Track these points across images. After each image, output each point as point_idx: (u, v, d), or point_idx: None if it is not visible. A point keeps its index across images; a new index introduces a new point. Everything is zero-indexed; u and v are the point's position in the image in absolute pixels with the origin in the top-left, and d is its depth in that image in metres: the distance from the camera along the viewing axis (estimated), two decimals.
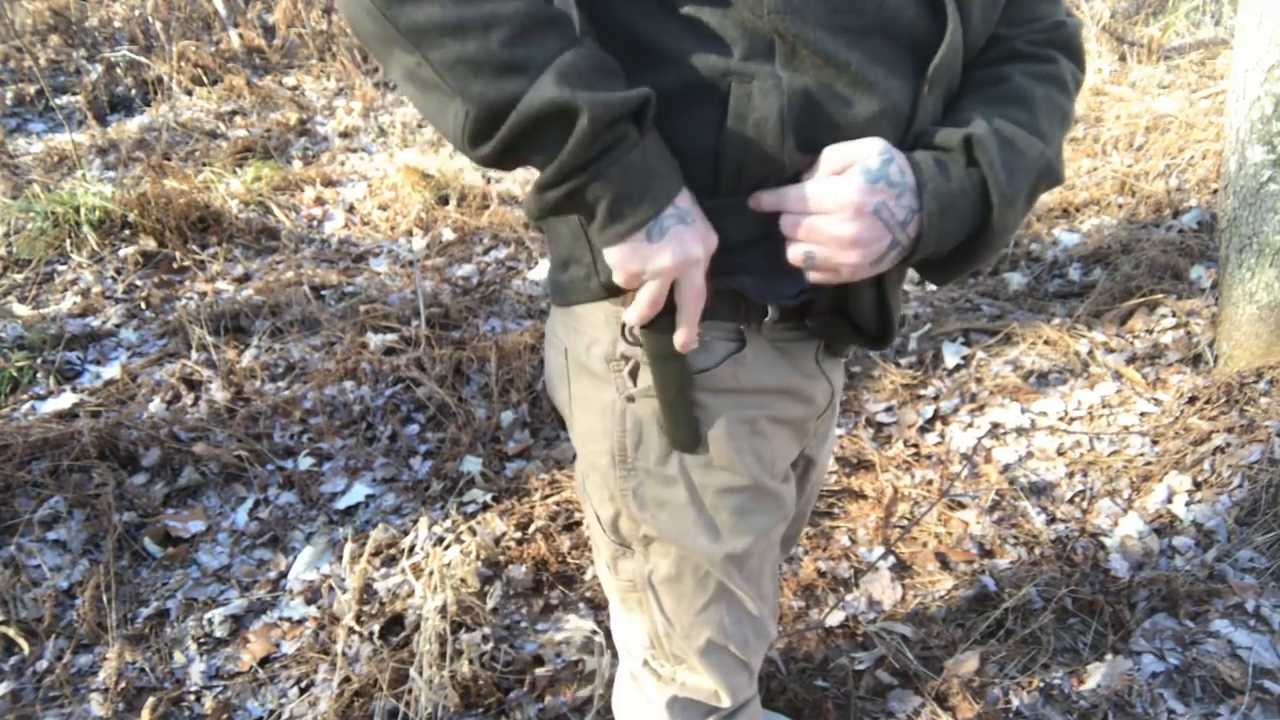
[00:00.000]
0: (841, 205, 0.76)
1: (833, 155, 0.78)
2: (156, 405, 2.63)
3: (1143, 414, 2.41)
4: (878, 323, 0.91)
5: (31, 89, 4.81)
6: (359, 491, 2.36)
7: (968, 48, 0.85)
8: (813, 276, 0.81)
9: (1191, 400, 2.38)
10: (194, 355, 2.83)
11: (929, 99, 0.82)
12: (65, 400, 2.64)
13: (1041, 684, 1.71)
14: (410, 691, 1.74)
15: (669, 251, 0.76)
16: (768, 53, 0.74)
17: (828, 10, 0.73)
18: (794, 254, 0.80)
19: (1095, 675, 1.71)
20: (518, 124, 0.69)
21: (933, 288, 3.14)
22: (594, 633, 1.88)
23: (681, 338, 0.82)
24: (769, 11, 0.72)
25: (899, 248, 0.79)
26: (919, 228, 0.79)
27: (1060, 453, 2.34)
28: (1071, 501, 2.18)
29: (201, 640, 1.97)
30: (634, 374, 0.89)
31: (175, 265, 3.37)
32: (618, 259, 0.77)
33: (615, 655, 1.83)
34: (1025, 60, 0.88)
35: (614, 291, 0.85)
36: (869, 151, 0.77)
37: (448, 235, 3.62)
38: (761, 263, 0.84)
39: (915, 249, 0.80)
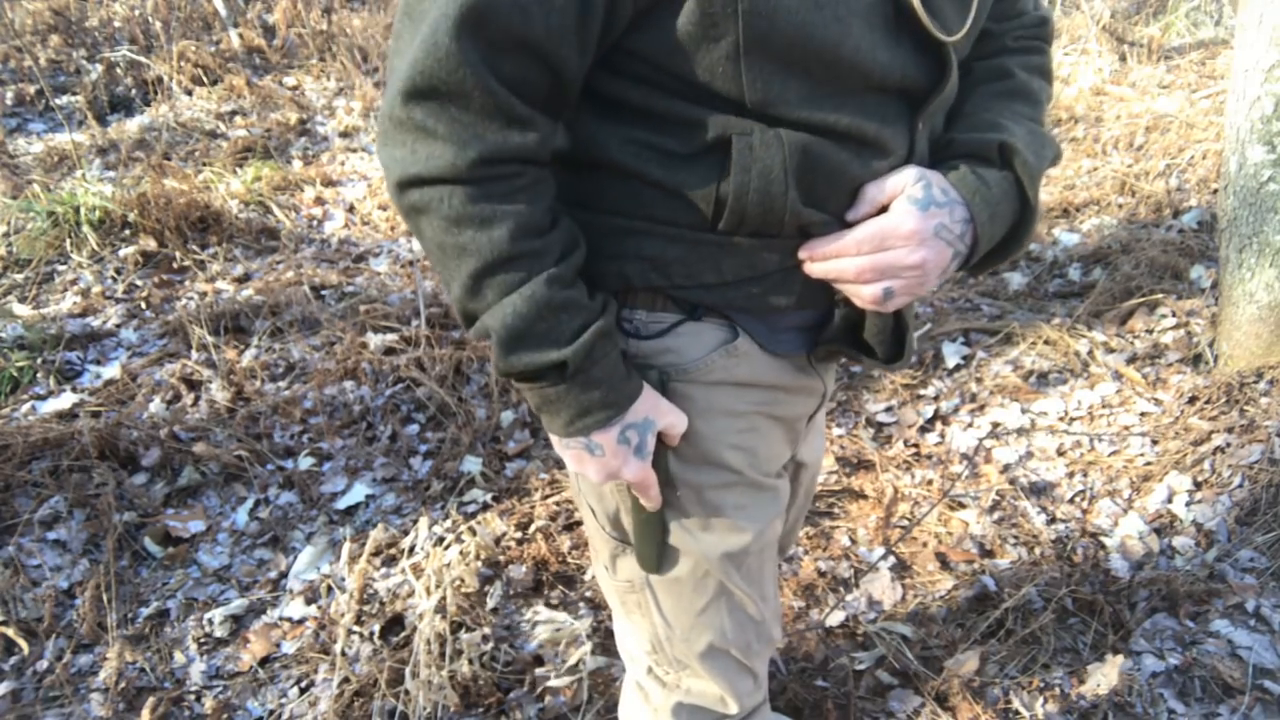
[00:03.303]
0: (906, 236, 0.81)
1: (873, 191, 0.82)
2: (156, 405, 2.63)
3: (1143, 414, 2.41)
4: (893, 345, 0.93)
5: (31, 89, 4.81)
6: (359, 491, 2.36)
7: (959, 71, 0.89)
8: (889, 306, 0.85)
9: (1191, 400, 2.38)
10: (194, 355, 2.83)
11: (924, 132, 0.86)
12: (65, 400, 2.64)
13: (1041, 684, 1.71)
14: (409, 691, 1.74)
15: (571, 461, 0.87)
16: (761, 119, 0.78)
17: (809, 88, 0.76)
18: (870, 294, 0.84)
19: (1095, 675, 1.71)
20: (475, 336, 0.80)
21: (933, 288, 3.14)
22: (566, 622, 1.88)
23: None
24: (752, 106, 0.76)
25: (960, 257, 0.86)
26: (974, 236, 0.85)
27: (1060, 453, 2.34)
28: (1071, 501, 2.18)
29: (201, 640, 1.97)
30: None
31: (175, 265, 3.37)
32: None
33: (596, 650, 1.83)
34: (1018, 54, 0.94)
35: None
36: (907, 181, 0.81)
37: None
38: (754, 300, 0.87)
39: (971, 255, 0.86)
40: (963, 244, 0.84)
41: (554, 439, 0.87)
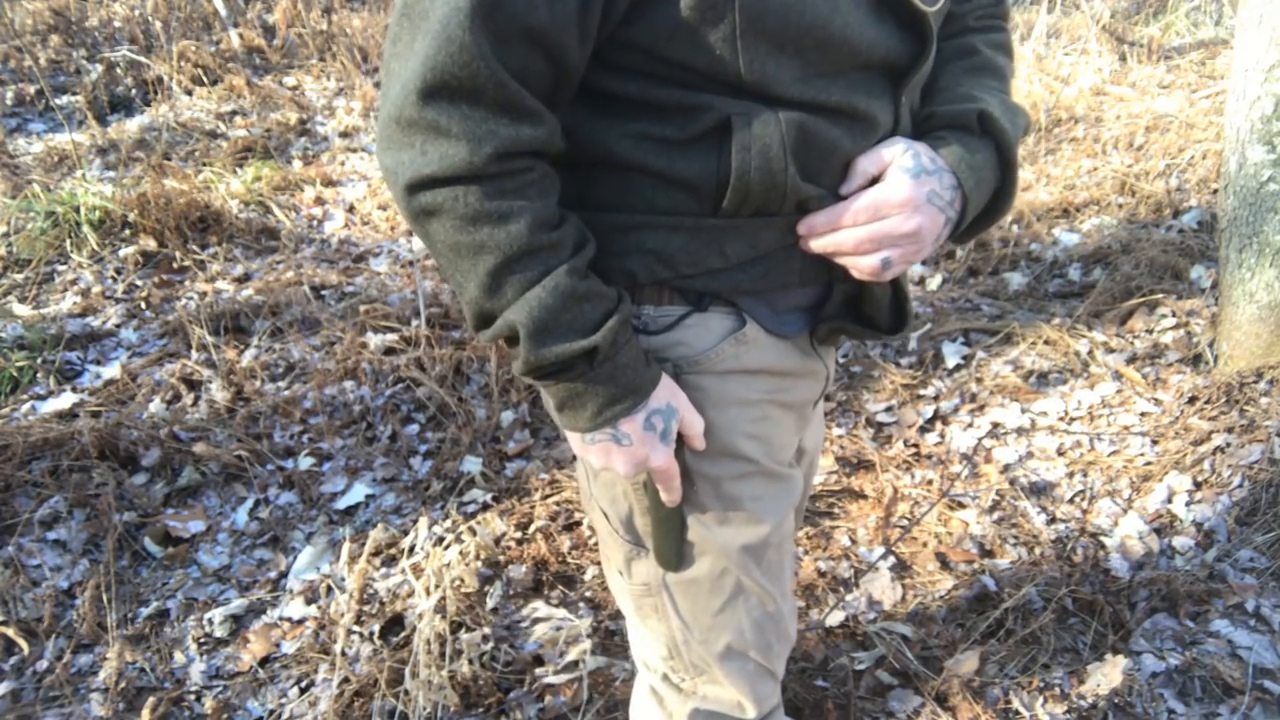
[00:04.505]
0: (900, 204, 0.83)
1: (865, 163, 0.84)
2: (156, 405, 2.63)
3: (1143, 414, 2.41)
4: (893, 315, 0.96)
5: (31, 89, 4.81)
6: (359, 491, 2.36)
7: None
8: (886, 275, 0.87)
9: (1191, 400, 2.38)
10: (194, 355, 2.83)
11: (906, 106, 0.88)
12: (65, 400, 2.64)
13: (1041, 684, 1.71)
14: (409, 691, 1.74)
15: (594, 457, 0.86)
16: (756, 99, 0.80)
17: (801, 66, 0.78)
18: (869, 265, 0.85)
19: (1095, 675, 1.71)
20: (492, 336, 0.80)
21: (933, 288, 3.15)
22: (566, 619, 1.88)
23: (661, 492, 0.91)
24: (749, 87, 0.78)
25: (951, 223, 0.88)
26: (962, 201, 0.87)
27: (1060, 453, 2.34)
28: (1071, 501, 2.18)
29: (201, 640, 1.97)
30: None
31: (175, 265, 3.37)
32: (568, 438, 0.89)
33: (596, 649, 1.83)
34: (981, 32, 0.98)
35: None
36: (896, 151, 0.84)
37: None
38: (759, 281, 0.88)
39: (960, 221, 0.89)
40: (953, 210, 0.87)
41: (575, 440, 0.87)
